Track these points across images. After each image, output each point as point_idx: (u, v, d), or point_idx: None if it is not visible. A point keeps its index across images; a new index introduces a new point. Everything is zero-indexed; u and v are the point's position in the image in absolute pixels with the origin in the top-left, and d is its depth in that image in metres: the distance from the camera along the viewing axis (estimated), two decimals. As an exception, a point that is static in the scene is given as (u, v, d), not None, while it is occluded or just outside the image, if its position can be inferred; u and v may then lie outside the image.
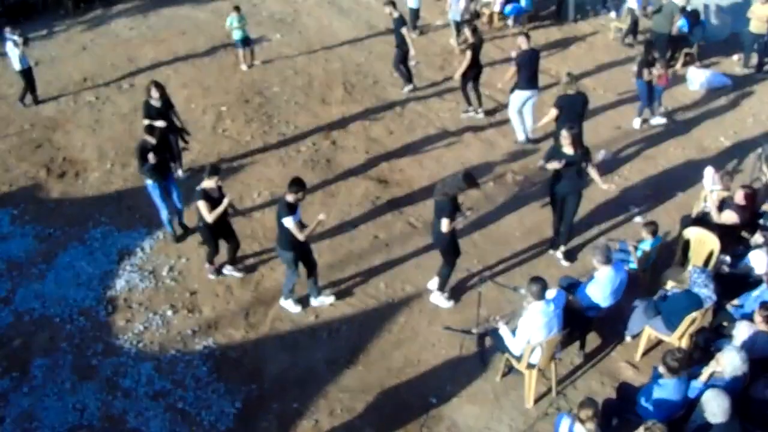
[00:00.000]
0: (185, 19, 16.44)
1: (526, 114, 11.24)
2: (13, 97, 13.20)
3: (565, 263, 8.89)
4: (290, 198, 7.49)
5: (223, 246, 8.65)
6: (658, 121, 12.15)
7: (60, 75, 13.98)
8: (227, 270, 8.81)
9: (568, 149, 8.30)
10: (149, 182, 8.93)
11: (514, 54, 11.23)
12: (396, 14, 12.49)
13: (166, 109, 9.76)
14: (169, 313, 8.29)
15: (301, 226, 7.63)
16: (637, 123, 12.07)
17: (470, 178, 7.67)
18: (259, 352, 7.77)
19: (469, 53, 11.55)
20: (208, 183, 8.05)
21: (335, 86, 13.44)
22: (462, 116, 12.37)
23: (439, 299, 8.29)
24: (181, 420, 7.01)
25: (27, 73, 12.64)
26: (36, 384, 7.41)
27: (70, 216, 9.95)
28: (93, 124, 12.29)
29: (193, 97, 13.08)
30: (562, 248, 8.97)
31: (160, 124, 9.36)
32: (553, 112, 9.83)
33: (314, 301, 8.32)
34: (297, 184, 7.50)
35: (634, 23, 15.04)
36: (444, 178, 8.02)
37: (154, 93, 9.50)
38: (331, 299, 8.35)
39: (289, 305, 8.28)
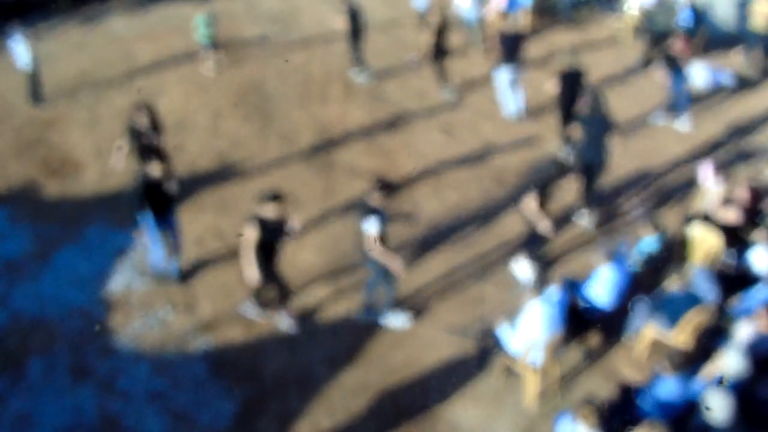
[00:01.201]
0: (182, 17, 16.34)
1: (516, 90, 11.83)
2: (8, 95, 13.11)
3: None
4: (376, 202, 7.24)
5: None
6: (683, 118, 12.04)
7: (56, 73, 13.88)
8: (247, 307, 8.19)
9: None
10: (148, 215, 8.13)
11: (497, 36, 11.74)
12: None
13: (154, 133, 9.21)
14: (167, 312, 8.25)
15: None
16: (677, 121, 11.97)
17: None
18: (257, 352, 7.73)
19: (432, 32, 12.00)
20: (265, 209, 7.32)
21: (333, 84, 13.38)
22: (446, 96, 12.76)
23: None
24: (179, 420, 6.97)
25: (30, 71, 12.54)
26: (32, 384, 7.36)
27: (66, 215, 9.90)
28: (89, 123, 12.23)
29: (190, 94, 13.02)
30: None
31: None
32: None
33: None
34: (387, 186, 7.31)
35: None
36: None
37: (142, 118, 8.95)
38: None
39: (391, 320, 7.99)
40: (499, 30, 11.55)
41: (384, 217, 7.21)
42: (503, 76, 11.64)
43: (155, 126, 9.20)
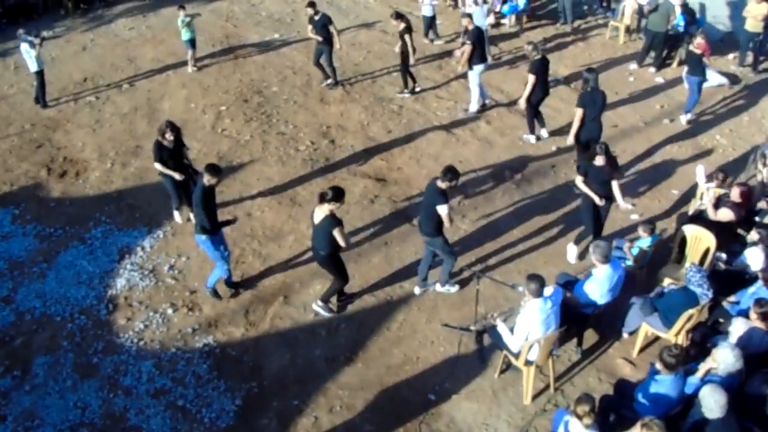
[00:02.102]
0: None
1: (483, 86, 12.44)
2: (13, 97, 13.24)
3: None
4: (443, 185, 7.64)
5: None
6: (690, 117, 12.39)
7: (60, 75, 14.01)
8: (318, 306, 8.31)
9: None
10: (201, 237, 7.97)
11: (464, 34, 12.19)
12: (315, 14, 12.67)
13: (179, 149, 9.20)
14: (170, 311, 8.34)
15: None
16: (684, 119, 12.31)
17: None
18: (259, 350, 7.82)
19: (407, 37, 12.31)
20: (335, 206, 7.47)
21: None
22: (398, 95, 13.10)
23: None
24: (182, 417, 7.06)
25: (41, 75, 12.66)
26: (37, 382, 7.46)
27: (70, 215, 10.00)
28: (93, 124, 12.33)
29: (192, 96, 13.12)
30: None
31: (177, 177, 9.10)
32: (531, 79, 10.89)
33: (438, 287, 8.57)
34: (452, 171, 7.67)
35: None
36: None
37: (169, 135, 8.91)
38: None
39: (447, 288, 8.52)
40: (471, 30, 11.88)
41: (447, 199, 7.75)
42: (476, 74, 12.04)
43: (181, 143, 9.22)
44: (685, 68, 12.32)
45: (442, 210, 7.64)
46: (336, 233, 7.37)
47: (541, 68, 10.91)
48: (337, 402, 7.19)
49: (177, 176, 9.09)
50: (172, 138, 8.96)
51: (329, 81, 13.31)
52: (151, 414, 7.10)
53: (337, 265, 7.90)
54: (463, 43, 12.08)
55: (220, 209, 9.86)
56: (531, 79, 10.86)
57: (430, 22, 15.22)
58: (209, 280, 8.41)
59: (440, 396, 7.22)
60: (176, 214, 9.77)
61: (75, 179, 10.86)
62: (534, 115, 11.51)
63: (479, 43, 11.81)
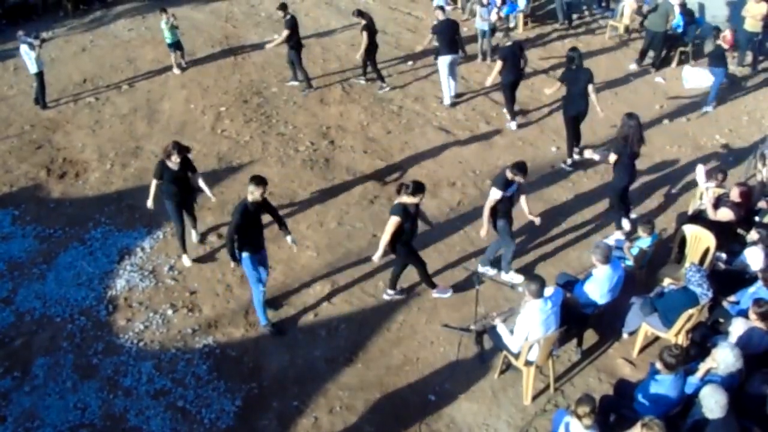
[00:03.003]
0: (184, 20, 16.43)
1: (452, 78, 12.64)
2: (12, 98, 13.25)
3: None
4: (509, 175, 7.99)
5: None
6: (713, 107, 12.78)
7: (60, 76, 14.01)
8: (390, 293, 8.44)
9: None
10: (245, 254, 7.61)
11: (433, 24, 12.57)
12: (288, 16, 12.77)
13: (184, 173, 8.56)
14: (170, 312, 8.34)
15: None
16: (707, 109, 12.68)
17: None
18: (259, 351, 7.82)
19: (365, 33, 12.54)
20: (410, 200, 7.65)
21: (333, 86, 13.48)
22: (379, 92, 13.20)
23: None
24: (182, 418, 7.05)
25: (40, 76, 12.66)
26: (37, 383, 7.46)
27: (70, 216, 10.00)
28: (93, 125, 12.34)
29: (192, 97, 13.12)
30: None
31: (150, 204, 8.63)
32: (498, 64, 11.39)
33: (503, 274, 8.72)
34: (520, 167, 8.01)
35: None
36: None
37: (175, 157, 8.31)
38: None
39: (512, 276, 8.64)
40: (441, 22, 12.28)
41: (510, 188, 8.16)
42: (443, 65, 12.35)
43: (188, 165, 8.61)
44: (707, 60, 12.85)
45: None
46: (392, 221, 7.59)
47: (510, 54, 11.35)
48: (337, 403, 7.19)
49: (150, 203, 8.57)
50: (178, 160, 8.32)
51: (302, 84, 13.27)
52: (151, 415, 7.09)
53: (398, 252, 8.03)
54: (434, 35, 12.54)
55: (222, 210, 9.94)
56: (498, 64, 11.38)
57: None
58: (260, 318, 8.03)
59: (440, 396, 7.21)
60: (185, 258, 9.05)
61: (75, 180, 10.86)
62: (512, 101, 11.97)
63: (445, 33, 12.18)
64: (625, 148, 8.83)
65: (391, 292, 8.40)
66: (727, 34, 12.45)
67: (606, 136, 11.64)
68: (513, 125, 12.04)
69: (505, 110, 12.25)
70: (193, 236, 9.36)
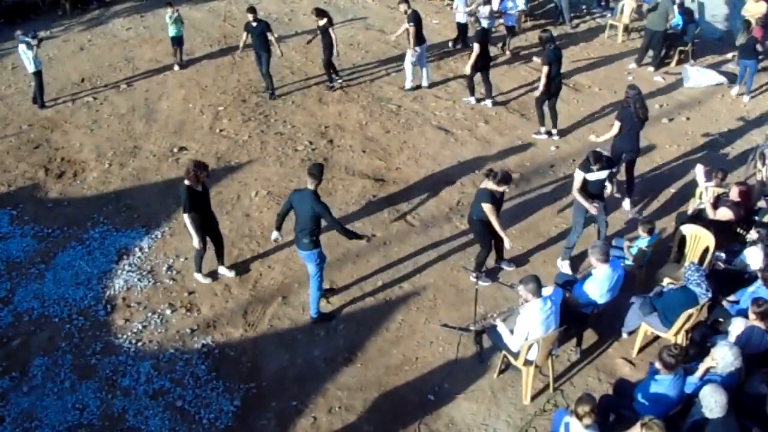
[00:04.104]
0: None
1: (423, 66, 13.29)
2: (10, 97, 13.23)
3: None
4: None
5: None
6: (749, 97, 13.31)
7: (58, 75, 14.00)
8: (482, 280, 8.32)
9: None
10: (313, 251, 7.68)
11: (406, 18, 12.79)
12: (255, 23, 12.72)
13: (207, 193, 8.30)
14: (168, 312, 8.32)
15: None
16: (747, 99, 13.19)
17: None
18: (257, 351, 7.80)
19: (331, 31, 12.74)
20: (496, 187, 7.97)
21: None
22: (328, 91, 13.37)
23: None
24: (180, 418, 7.03)
25: (38, 75, 12.64)
26: (35, 383, 7.43)
27: (68, 216, 9.98)
28: (91, 125, 12.32)
29: (190, 96, 13.11)
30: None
31: (196, 243, 8.22)
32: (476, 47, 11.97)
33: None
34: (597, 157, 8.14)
35: None
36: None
37: (203, 176, 7.93)
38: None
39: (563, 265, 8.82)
40: (410, 13, 12.64)
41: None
42: (412, 54, 12.88)
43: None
44: (738, 53, 13.31)
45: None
46: (486, 208, 7.94)
47: (483, 39, 12.08)
48: (336, 402, 7.17)
49: (196, 241, 8.13)
50: (206, 177, 7.94)
51: (269, 91, 13.10)
52: (150, 415, 7.07)
53: (483, 234, 8.29)
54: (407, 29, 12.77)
55: (220, 209, 9.91)
56: (476, 48, 11.91)
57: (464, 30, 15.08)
58: (312, 308, 8.04)
59: (439, 396, 7.20)
60: (199, 276, 8.75)
61: (73, 180, 10.83)
62: (472, 79, 12.63)
63: (418, 25, 12.60)
64: (629, 114, 9.28)
65: (474, 274, 8.22)
66: (759, 29, 13.00)
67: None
68: (472, 100, 12.76)
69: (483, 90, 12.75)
70: (221, 270, 8.87)
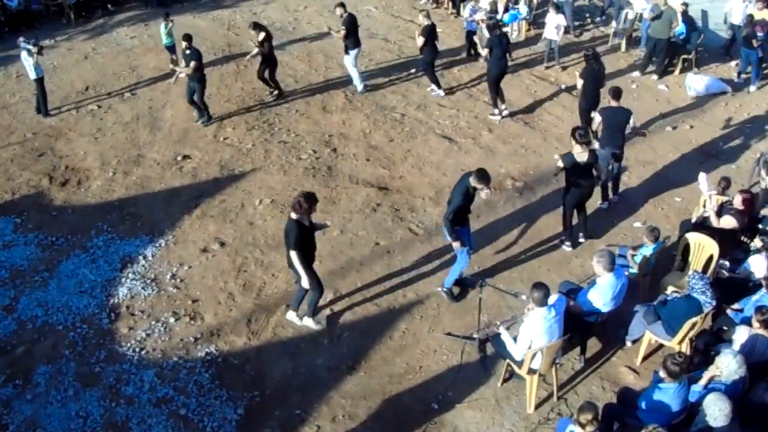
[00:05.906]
0: (186, 28, 16.43)
1: (359, 67, 13.69)
2: (14, 106, 13.28)
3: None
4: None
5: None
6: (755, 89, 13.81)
7: (62, 84, 14.06)
8: None
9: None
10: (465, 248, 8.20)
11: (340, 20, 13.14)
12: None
13: (312, 227, 7.65)
14: (172, 320, 8.33)
15: None
16: (753, 88, 13.76)
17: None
18: (261, 359, 7.80)
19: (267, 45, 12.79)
20: (577, 150, 8.64)
21: (336, 94, 13.51)
22: (269, 98, 13.42)
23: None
24: (184, 427, 7.03)
25: (41, 83, 12.69)
26: (39, 391, 7.43)
27: (72, 224, 10.00)
28: (95, 133, 12.36)
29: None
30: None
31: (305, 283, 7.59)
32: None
33: None
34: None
35: None
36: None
37: (312, 208, 7.41)
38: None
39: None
40: (345, 17, 12.95)
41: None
42: (352, 57, 13.18)
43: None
44: (742, 42, 13.84)
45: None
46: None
47: (430, 33, 12.80)
48: (339, 411, 7.16)
49: (306, 281, 7.50)
50: (314, 210, 7.42)
51: (203, 118, 12.57)
52: (153, 423, 7.06)
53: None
54: (339, 30, 13.13)
55: (224, 218, 9.94)
56: (420, 40, 12.78)
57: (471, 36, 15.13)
58: (447, 280, 8.48)
59: (443, 405, 7.18)
60: (310, 321, 8.09)
61: (77, 188, 10.86)
62: (434, 73, 13.42)
63: (353, 29, 12.94)
64: (591, 73, 11.14)
65: (568, 242, 9.34)
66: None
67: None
68: (441, 92, 13.44)
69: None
70: (288, 314, 8.25)
